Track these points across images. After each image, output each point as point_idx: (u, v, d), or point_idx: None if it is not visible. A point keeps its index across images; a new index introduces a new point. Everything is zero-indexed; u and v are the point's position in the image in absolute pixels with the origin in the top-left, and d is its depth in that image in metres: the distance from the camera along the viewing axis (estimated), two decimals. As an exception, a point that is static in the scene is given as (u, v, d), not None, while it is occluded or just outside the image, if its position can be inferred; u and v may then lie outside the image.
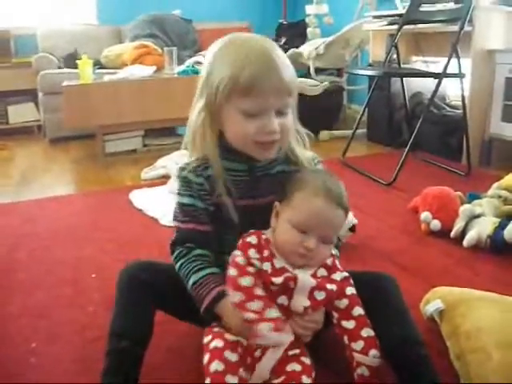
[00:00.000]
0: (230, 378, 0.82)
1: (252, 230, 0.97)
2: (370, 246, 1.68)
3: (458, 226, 1.67)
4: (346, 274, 0.99)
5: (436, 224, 1.73)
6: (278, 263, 0.93)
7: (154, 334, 1.00)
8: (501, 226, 1.58)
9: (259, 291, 0.90)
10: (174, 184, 2.28)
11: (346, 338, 0.95)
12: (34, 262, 1.67)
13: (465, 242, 1.62)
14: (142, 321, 0.99)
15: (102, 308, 1.34)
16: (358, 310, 0.96)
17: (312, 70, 3.52)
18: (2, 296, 1.45)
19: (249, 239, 0.95)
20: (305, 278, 0.93)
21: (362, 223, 1.70)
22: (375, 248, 1.66)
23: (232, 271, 0.91)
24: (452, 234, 1.68)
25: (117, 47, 3.79)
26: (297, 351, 0.92)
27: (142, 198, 2.23)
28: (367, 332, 0.94)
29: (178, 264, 1.01)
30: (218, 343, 0.88)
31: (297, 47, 3.72)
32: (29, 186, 2.62)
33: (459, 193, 1.86)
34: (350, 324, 0.95)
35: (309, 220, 0.92)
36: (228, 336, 0.90)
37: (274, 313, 0.88)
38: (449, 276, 1.44)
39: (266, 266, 0.92)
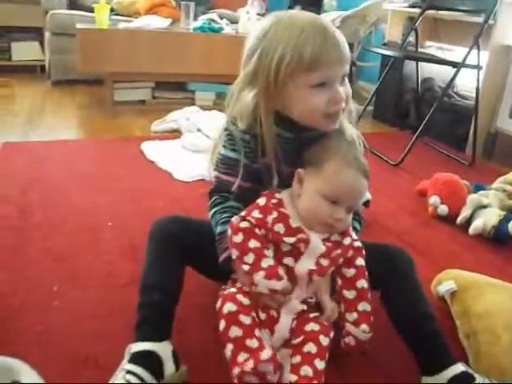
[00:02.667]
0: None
1: (265, 192, 0.99)
2: (379, 223, 1.73)
3: (465, 213, 1.73)
4: (359, 244, 1.01)
5: (444, 209, 1.79)
6: (294, 223, 0.94)
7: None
8: (505, 219, 1.64)
9: (252, 244, 0.92)
10: (187, 139, 2.29)
11: (342, 307, 0.97)
12: (48, 205, 1.66)
13: (470, 230, 1.67)
14: (174, 275, 1.00)
15: (121, 257, 1.37)
16: (362, 283, 0.97)
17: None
18: (20, 238, 1.44)
19: (258, 200, 0.97)
20: (317, 242, 0.94)
21: (373, 200, 1.74)
22: (385, 226, 1.71)
23: (229, 231, 0.95)
24: (458, 220, 1.74)
25: (131, -6, 3.69)
26: (316, 314, 0.96)
27: (154, 150, 2.22)
28: (364, 306, 0.96)
29: (212, 211, 1.05)
30: (231, 307, 0.89)
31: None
32: (35, 127, 2.58)
33: (466, 182, 1.91)
34: (350, 294, 0.97)
35: (341, 191, 0.93)
36: (241, 298, 0.91)
37: (266, 262, 0.91)
38: (454, 259, 1.50)
39: (278, 228, 0.93)
